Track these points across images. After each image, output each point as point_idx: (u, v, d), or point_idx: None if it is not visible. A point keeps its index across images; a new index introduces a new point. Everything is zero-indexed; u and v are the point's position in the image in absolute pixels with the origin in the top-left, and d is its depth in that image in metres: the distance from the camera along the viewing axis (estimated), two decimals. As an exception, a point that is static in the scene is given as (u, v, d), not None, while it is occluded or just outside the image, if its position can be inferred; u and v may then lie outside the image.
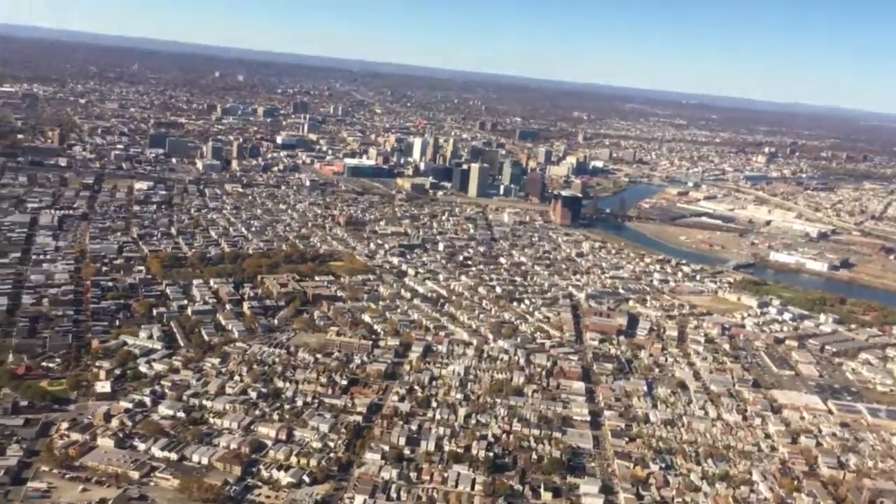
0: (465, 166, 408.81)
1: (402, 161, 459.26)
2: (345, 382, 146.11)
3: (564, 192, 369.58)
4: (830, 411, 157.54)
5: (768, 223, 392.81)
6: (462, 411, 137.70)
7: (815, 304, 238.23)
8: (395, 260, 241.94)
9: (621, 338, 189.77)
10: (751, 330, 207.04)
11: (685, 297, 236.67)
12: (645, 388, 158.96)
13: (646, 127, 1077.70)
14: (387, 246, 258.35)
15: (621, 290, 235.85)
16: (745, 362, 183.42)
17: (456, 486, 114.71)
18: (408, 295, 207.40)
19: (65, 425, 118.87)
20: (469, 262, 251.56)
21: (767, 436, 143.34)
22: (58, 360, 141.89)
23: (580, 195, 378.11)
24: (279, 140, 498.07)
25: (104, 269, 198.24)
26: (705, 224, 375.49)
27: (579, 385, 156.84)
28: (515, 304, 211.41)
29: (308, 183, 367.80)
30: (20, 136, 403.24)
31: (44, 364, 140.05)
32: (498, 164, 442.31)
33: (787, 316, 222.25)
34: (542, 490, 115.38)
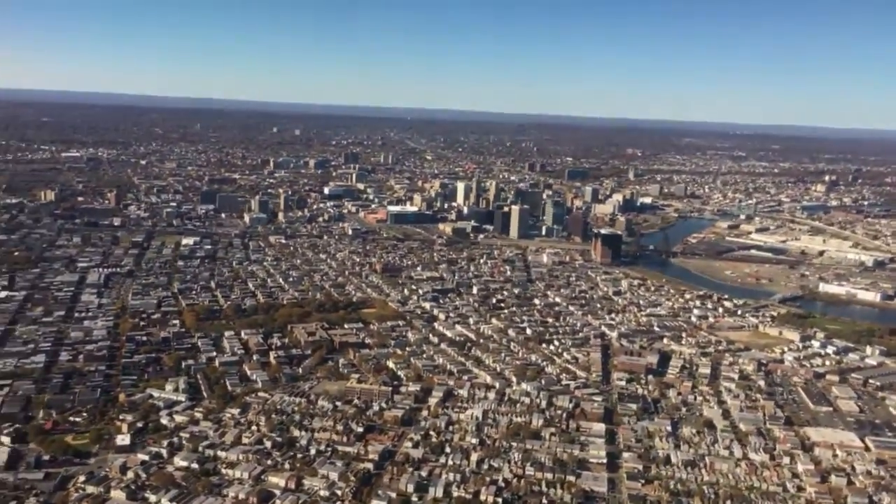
0: (505, 209, 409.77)
1: (445, 206, 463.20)
2: (361, 430, 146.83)
3: (604, 231, 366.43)
4: (867, 448, 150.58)
5: (821, 253, 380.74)
6: (475, 456, 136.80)
7: (863, 336, 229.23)
8: (428, 305, 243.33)
9: (650, 377, 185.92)
10: (789, 365, 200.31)
11: (724, 333, 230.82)
12: (669, 428, 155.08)
13: (701, 160, 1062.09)
14: (420, 291, 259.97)
15: (656, 328, 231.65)
16: (780, 399, 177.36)
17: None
18: (435, 340, 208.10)
19: (81, 479, 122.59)
20: (502, 305, 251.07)
21: (795, 475, 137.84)
22: (84, 414, 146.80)
23: (620, 233, 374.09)
24: (326, 191, 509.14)
25: (141, 324, 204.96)
26: (754, 257, 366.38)
27: (600, 427, 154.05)
28: (544, 345, 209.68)
29: (350, 232, 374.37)
30: (80, 199, 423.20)
31: (70, 419, 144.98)
32: (541, 205, 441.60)
33: (830, 349, 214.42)
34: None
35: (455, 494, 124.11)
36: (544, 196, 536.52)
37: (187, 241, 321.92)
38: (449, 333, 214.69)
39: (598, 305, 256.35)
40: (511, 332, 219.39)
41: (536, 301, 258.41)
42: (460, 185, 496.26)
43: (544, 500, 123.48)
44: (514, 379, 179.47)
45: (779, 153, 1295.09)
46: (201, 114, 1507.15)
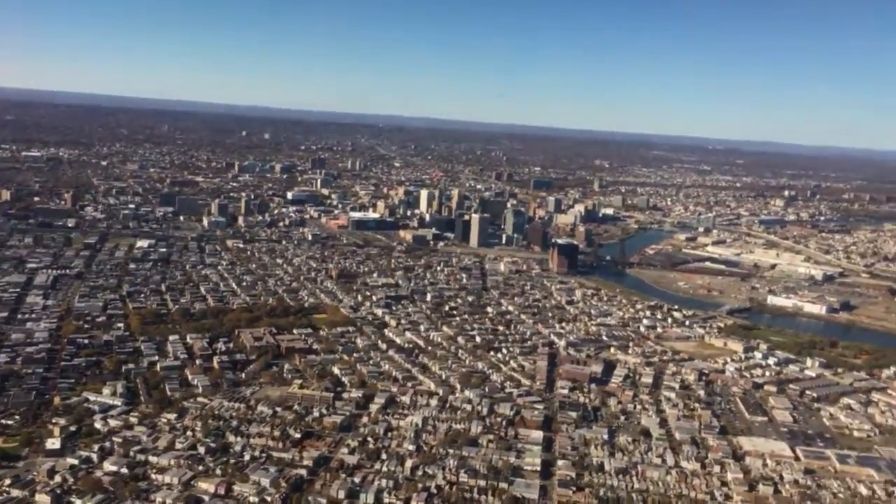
0: (466, 217, 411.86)
1: (408, 213, 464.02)
2: (298, 436, 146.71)
3: (561, 241, 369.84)
4: (798, 458, 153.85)
5: (773, 267, 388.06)
6: (409, 463, 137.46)
7: (804, 348, 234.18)
8: (380, 311, 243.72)
9: (593, 385, 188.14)
10: (730, 375, 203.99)
11: (670, 344, 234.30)
12: (606, 436, 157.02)
13: (667, 173, 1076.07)
14: (374, 297, 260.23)
15: (604, 337, 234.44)
16: (718, 409, 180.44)
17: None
18: (384, 346, 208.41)
19: (7, 482, 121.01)
20: (454, 312, 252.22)
21: (724, 483, 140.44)
22: (17, 416, 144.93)
23: (576, 243, 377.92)
24: (289, 196, 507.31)
25: (85, 326, 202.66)
26: (708, 269, 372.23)
27: (538, 434, 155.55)
28: (492, 353, 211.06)
29: (310, 237, 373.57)
30: (36, 199, 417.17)
31: (2, 421, 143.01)
32: (503, 215, 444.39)
33: (771, 360, 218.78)
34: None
35: (386, 501, 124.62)
36: (511, 205, 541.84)
37: (141, 243, 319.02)
38: (398, 340, 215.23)
39: (550, 314, 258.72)
40: (460, 340, 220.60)
41: (489, 309, 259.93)
42: (424, 193, 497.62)
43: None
44: (458, 386, 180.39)
45: (743, 168, 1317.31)
46: (170, 115, 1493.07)
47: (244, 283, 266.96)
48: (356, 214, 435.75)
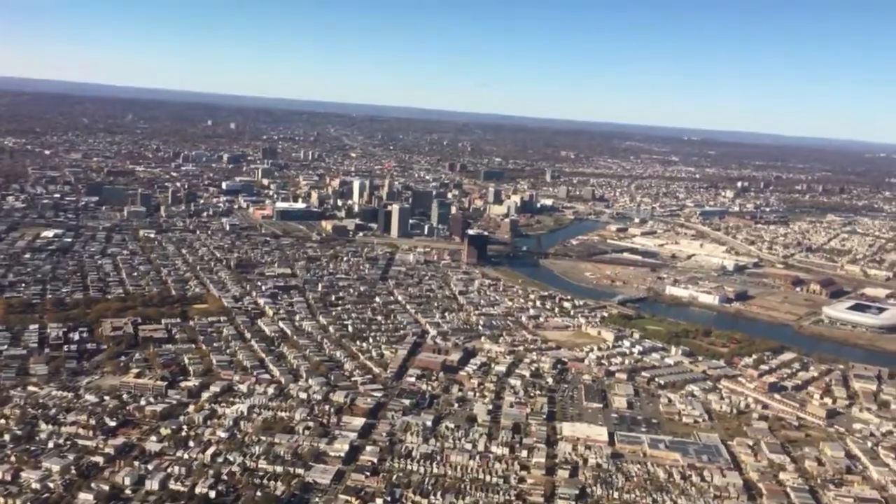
0: (389, 208, 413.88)
1: (340, 203, 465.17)
2: (114, 424, 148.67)
3: (471, 231, 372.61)
4: (612, 443, 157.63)
5: (690, 257, 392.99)
6: (211, 450, 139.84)
7: (677, 336, 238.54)
8: (262, 301, 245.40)
9: (442, 374, 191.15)
10: (587, 364, 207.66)
11: (546, 333, 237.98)
12: (430, 423, 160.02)
13: (631, 164, 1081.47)
14: (263, 287, 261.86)
15: (481, 327, 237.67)
16: (559, 395, 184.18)
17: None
18: (248, 335, 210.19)
19: None
20: (339, 302, 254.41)
21: (525, 467, 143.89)
22: None
23: (486, 233, 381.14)
24: (224, 186, 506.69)
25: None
26: (622, 260, 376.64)
27: (360, 421, 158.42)
28: (359, 342, 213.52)
29: (228, 227, 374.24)
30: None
31: None
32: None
33: (636, 349, 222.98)
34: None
35: (172, 487, 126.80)
36: (450, 196, 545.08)
37: (47, 233, 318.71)
38: (267, 330, 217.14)
39: (436, 304, 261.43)
40: (331, 329, 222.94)
41: (378, 299, 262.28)
42: (356, 183, 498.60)
43: (258, 493, 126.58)
44: (304, 375, 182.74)
45: (711, 159, 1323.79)
46: (140, 104, 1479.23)
47: (135, 274, 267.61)
48: (282, 204, 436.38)
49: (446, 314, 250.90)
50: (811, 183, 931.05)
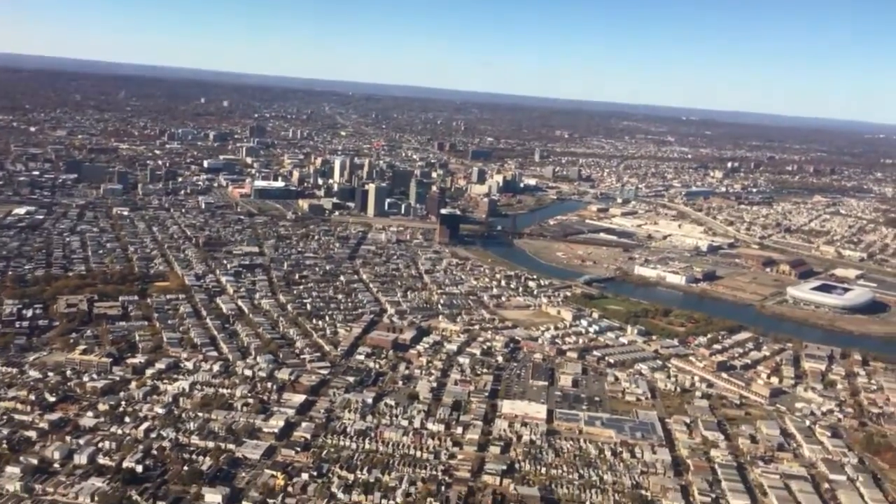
0: (366, 187, 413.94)
1: (320, 182, 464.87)
2: (53, 399, 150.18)
3: (444, 211, 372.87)
4: (550, 420, 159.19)
5: (665, 237, 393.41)
6: (145, 425, 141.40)
7: (636, 316, 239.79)
8: (225, 279, 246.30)
9: (391, 352, 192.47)
10: (539, 343, 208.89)
11: (505, 312, 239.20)
12: (370, 400, 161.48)
13: (623, 144, 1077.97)
14: (229, 266, 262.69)
15: (440, 306, 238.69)
16: (507, 374, 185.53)
17: (76, 497, 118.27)
18: (205, 313, 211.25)
19: None
20: (302, 281, 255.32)
21: (457, 443, 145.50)
22: None
23: (459, 213, 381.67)
24: (206, 164, 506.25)
25: None
26: (597, 240, 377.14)
27: (300, 398, 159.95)
28: (316, 320, 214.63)
29: (203, 205, 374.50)
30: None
31: None
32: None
33: (593, 328, 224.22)
34: (160, 500, 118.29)
35: (99, 461, 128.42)
36: (434, 174, 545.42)
37: (19, 210, 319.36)
38: (224, 307, 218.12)
39: (400, 283, 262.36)
40: (289, 308, 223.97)
41: (342, 278, 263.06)
42: (337, 162, 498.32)
43: (185, 468, 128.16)
44: (252, 352, 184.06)
45: (708, 139, 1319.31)
46: (136, 81, 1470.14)
47: (101, 251, 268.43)
48: (260, 183, 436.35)
49: (409, 293, 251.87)
50: (803, 164, 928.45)
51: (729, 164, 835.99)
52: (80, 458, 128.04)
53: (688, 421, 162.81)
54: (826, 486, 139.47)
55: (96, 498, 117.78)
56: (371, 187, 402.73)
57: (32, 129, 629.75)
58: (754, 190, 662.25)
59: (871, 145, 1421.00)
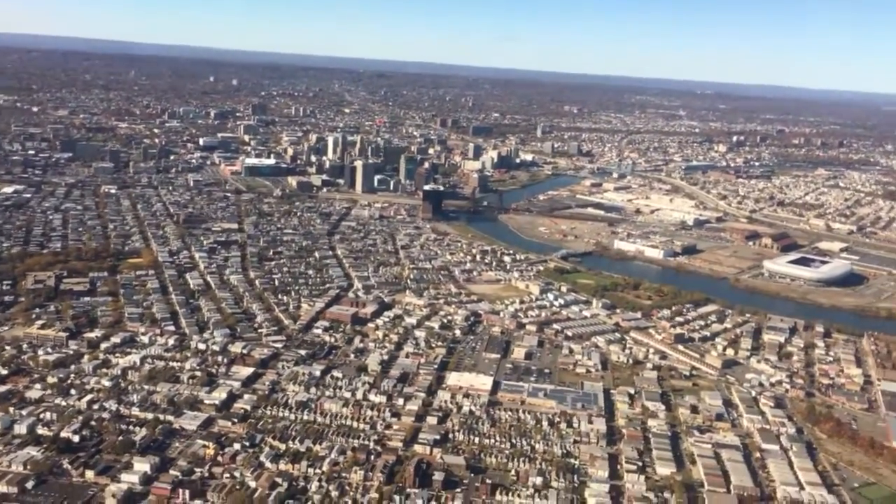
0: (355, 164, 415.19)
1: (312, 160, 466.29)
2: (6, 372, 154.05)
3: (427, 187, 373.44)
4: (494, 392, 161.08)
5: (654, 212, 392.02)
6: (88, 397, 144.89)
7: (605, 289, 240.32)
8: (198, 255, 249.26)
9: (348, 326, 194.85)
10: (501, 316, 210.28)
11: (476, 286, 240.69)
12: (318, 373, 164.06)
13: (632, 119, 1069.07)
14: (205, 242, 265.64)
15: (409, 281, 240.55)
16: (462, 347, 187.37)
17: (10, 466, 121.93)
18: (171, 289, 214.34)
19: None
20: (276, 257, 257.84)
21: (397, 414, 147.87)
22: None
23: (441, 188, 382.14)
24: (202, 142, 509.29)
25: None
26: (584, 215, 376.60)
27: (247, 371, 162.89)
28: (282, 296, 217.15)
29: (192, 183, 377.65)
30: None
31: None
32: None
33: (558, 302, 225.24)
34: (90, 469, 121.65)
35: (38, 432, 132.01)
36: (431, 151, 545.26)
37: (7, 189, 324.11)
38: (192, 283, 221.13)
39: (374, 259, 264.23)
40: (258, 283, 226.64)
41: (317, 254, 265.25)
42: (330, 140, 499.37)
43: (120, 438, 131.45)
44: (211, 327, 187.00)
45: (720, 113, 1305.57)
46: (148, 60, 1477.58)
47: (80, 229, 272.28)
48: (251, 160, 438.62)
49: (381, 268, 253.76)
50: (812, 137, 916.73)
51: (734, 138, 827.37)
52: (20, 429, 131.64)
53: (632, 392, 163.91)
54: (757, 455, 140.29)
55: (28, 466, 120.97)
56: (359, 164, 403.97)
57: (35, 109, 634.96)
58: (756, 164, 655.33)
59: (887, 118, 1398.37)
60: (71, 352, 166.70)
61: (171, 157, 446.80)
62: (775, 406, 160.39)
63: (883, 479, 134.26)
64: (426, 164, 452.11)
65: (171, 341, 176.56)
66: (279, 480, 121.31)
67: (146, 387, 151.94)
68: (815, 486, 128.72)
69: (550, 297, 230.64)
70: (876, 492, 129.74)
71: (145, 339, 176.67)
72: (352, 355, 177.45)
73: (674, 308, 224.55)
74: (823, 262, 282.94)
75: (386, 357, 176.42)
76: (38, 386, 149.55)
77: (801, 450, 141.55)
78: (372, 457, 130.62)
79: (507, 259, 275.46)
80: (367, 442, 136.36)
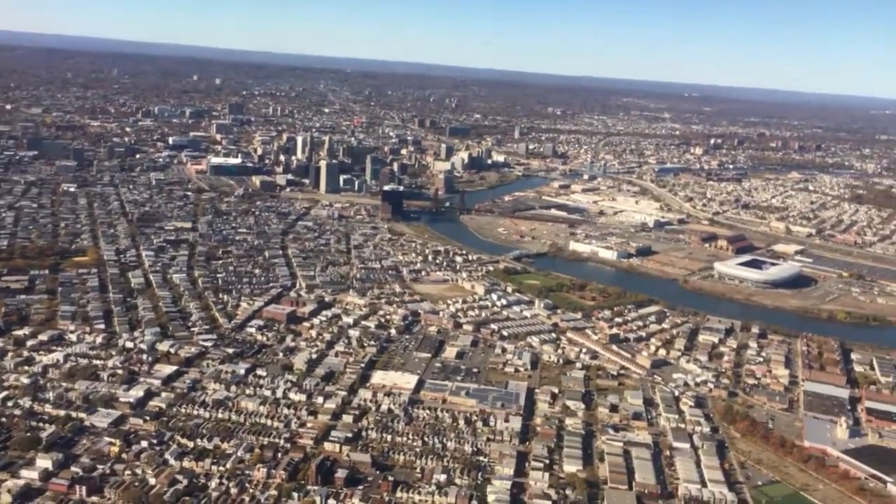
0: (319, 164, 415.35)
1: (281, 159, 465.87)
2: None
3: (386, 188, 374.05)
4: (417, 390, 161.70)
5: (616, 213, 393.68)
6: (3, 394, 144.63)
7: (550, 290, 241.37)
8: (145, 254, 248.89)
9: (283, 325, 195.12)
10: (440, 316, 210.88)
11: (422, 286, 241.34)
12: (242, 371, 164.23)
13: (614, 121, 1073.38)
14: (155, 241, 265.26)
15: (355, 280, 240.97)
16: (395, 346, 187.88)
17: None
18: (111, 287, 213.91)
19: None
20: (224, 256, 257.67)
21: (314, 412, 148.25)
22: None
23: (401, 189, 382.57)
24: (171, 141, 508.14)
25: None
26: (545, 216, 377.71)
27: (170, 369, 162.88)
28: (222, 295, 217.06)
29: (154, 182, 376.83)
30: None
31: None
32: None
33: (500, 302, 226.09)
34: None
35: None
36: (403, 153, 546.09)
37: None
38: (134, 282, 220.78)
39: (322, 259, 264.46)
40: (200, 282, 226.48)
41: (266, 253, 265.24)
42: (300, 140, 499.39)
43: (29, 434, 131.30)
44: (142, 325, 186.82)
45: (704, 116, 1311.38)
46: (132, 58, 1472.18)
47: (31, 227, 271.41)
48: (216, 160, 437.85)
49: (329, 268, 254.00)
50: (790, 140, 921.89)
51: (711, 141, 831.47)
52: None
53: (555, 391, 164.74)
54: (667, 453, 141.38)
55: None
56: (323, 164, 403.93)
57: (9, 106, 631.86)
58: (731, 166, 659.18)
59: (872, 122, 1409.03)
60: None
61: (138, 156, 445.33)
62: (695, 405, 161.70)
63: (788, 478, 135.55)
64: (394, 165, 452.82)
65: (98, 339, 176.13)
66: (179, 478, 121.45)
67: (64, 384, 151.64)
68: (717, 483, 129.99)
69: (494, 297, 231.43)
70: (778, 490, 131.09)
71: (73, 338, 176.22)
72: (280, 354, 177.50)
73: (615, 309, 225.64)
74: (773, 265, 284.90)
75: (315, 356, 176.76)
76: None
77: (711, 448, 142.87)
78: (279, 454, 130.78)
79: (458, 259, 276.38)
80: (277, 440, 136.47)
